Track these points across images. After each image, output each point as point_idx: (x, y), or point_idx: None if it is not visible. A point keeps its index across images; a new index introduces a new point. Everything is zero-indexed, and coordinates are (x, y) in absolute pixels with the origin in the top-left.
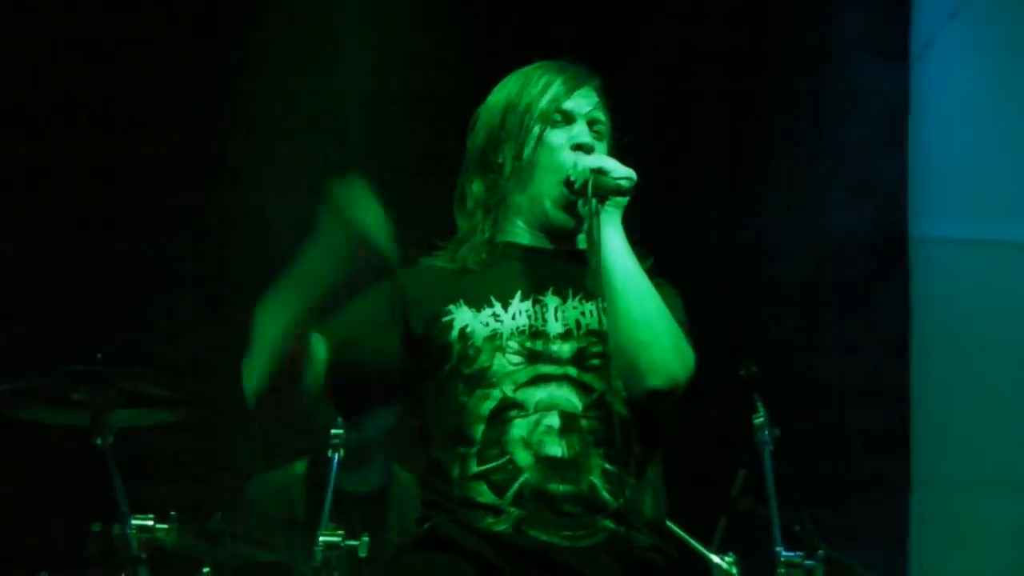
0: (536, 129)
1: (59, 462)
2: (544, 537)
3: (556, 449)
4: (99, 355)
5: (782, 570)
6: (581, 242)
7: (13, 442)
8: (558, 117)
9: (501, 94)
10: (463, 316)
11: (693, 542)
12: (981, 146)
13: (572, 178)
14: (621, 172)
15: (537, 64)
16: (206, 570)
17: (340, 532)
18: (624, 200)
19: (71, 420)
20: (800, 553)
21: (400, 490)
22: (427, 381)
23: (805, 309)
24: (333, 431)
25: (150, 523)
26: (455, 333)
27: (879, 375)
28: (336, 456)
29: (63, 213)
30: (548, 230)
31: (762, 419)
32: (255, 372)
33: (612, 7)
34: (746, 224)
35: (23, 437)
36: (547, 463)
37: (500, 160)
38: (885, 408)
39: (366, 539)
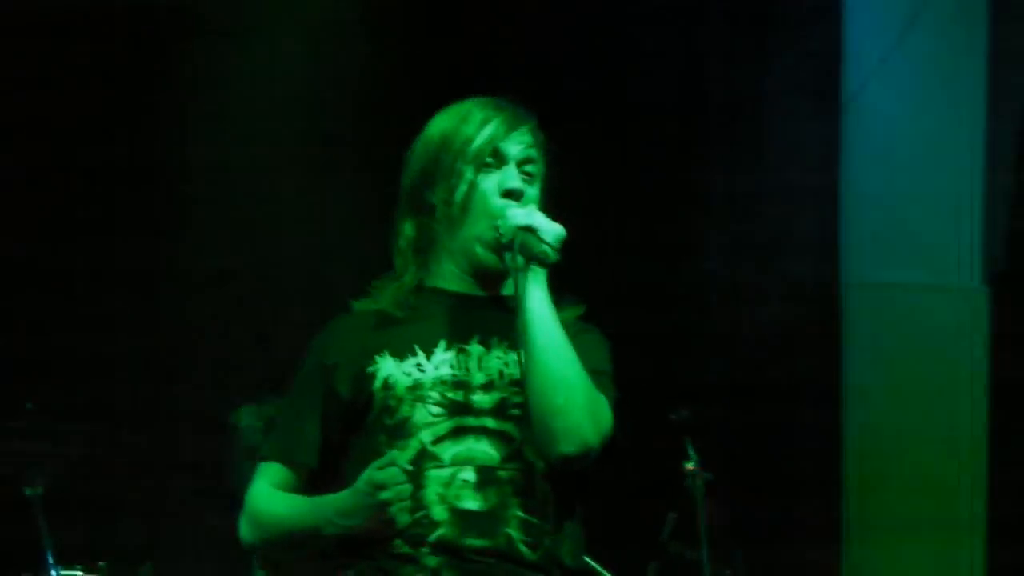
0: (468, 172)
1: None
2: None
3: (472, 503)
4: (29, 404)
5: None
6: (508, 287)
7: None
8: (491, 160)
9: (436, 130)
10: (386, 366)
11: None
12: (910, 191)
13: (501, 231)
14: (549, 233)
15: (474, 100)
16: None
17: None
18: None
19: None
20: None
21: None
22: (352, 435)
23: (739, 353)
24: None
25: (78, 575)
26: (378, 383)
27: (811, 416)
28: None
29: None
30: (477, 272)
31: (693, 464)
32: (257, 538)
33: (555, 60)
34: (679, 270)
35: None
36: (463, 516)
37: (432, 200)
38: (817, 449)
39: None
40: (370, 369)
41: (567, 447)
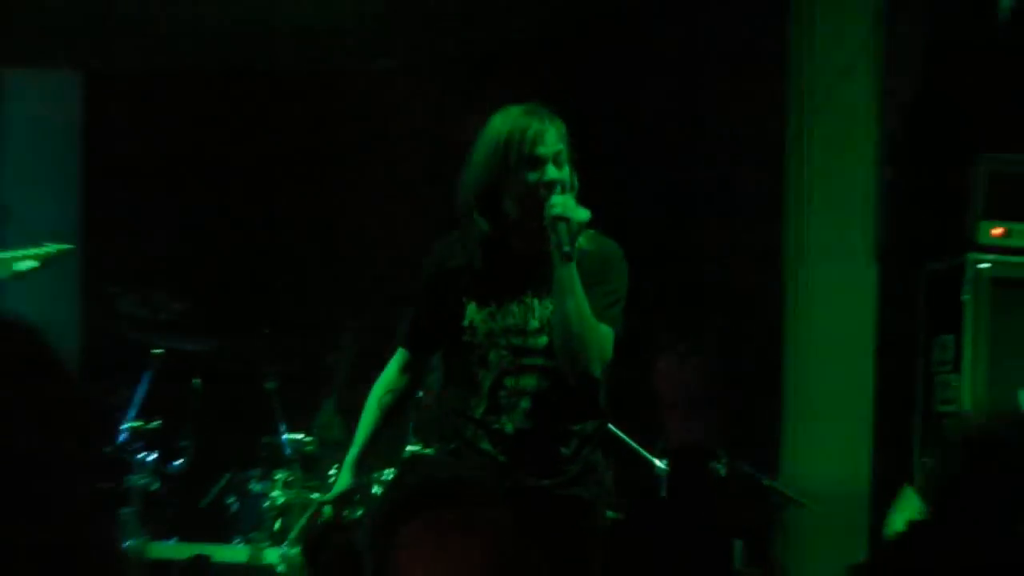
0: (522, 175)
1: (243, 398)
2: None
3: (528, 423)
4: (265, 330)
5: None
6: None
7: (217, 387)
8: (533, 161)
9: (489, 138)
10: (471, 310)
11: (640, 448)
12: (833, 170)
13: (545, 220)
14: (575, 222)
15: (518, 114)
16: (332, 471)
17: (419, 444)
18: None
19: (248, 370)
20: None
21: None
22: (450, 343)
23: (696, 302)
24: None
25: (299, 437)
26: (466, 322)
27: (759, 340)
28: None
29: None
30: (531, 233)
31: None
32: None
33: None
34: (645, 225)
35: (224, 383)
36: (521, 434)
37: (496, 194)
38: (764, 361)
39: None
40: (458, 307)
41: (579, 371)
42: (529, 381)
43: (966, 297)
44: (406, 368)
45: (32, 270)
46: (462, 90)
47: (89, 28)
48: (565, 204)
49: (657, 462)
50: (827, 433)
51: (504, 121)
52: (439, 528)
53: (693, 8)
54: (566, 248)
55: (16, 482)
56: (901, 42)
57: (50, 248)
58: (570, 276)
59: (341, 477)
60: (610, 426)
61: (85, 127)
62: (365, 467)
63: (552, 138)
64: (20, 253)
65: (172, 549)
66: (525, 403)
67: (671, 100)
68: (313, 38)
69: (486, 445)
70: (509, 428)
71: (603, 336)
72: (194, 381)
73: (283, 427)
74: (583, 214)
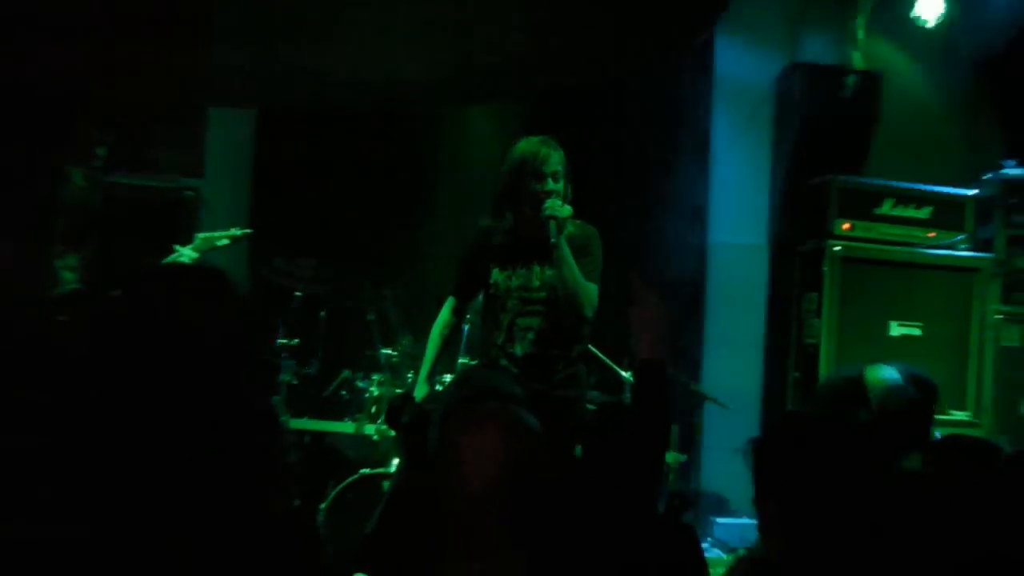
0: (533, 185)
1: (352, 325)
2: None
3: (533, 348)
4: (369, 279)
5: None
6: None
7: (336, 318)
8: (538, 175)
9: (513, 157)
10: (495, 273)
11: (612, 364)
12: (741, 186)
13: (542, 216)
14: (561, 217)
15: (534, 143)
16: (409, 375)
17: (467, 357)
18: (567, 219)
19: (356, 307)
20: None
21: None
22: (483, 293)
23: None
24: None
25: (389, 351)
26: (492, 280)
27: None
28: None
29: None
30: (532, 226)
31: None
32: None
33: None
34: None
35: (340, 315)
36: (527, 356)
37: (518, 199)
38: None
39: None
40: (487, 271)
41: (575, 314)
42: (533, 321)
43: (825, 269)
44: (454, 311)
45: (224, 245)
46: (522, 125)
47: (261, 81)
48: (553, 205)
49: (623, 373)
50: (733, 355)
51: (523, 147)
52: (473, 418)
53: (658, 83)
54: (553, 239)
55: (236, 365)
56: (785, 107)
57: (237, 231)
58: (563, 254)
59: (419, 388)
60: (592, 348)
61: (255, 147)
62: (434, 378)
63: (554, 160)
64: (219, 234)
65: (305, 423)
66: (531, 335)
67: (637, 142)
68: (410, 87)
69: (504, 362)
70: (519, 351)
71: (591, 291)
72: (321, 313)
73: (379, 345)
74: (566, 211)
